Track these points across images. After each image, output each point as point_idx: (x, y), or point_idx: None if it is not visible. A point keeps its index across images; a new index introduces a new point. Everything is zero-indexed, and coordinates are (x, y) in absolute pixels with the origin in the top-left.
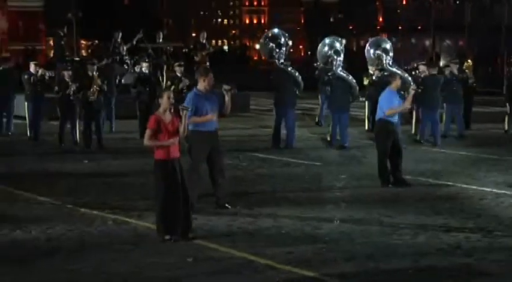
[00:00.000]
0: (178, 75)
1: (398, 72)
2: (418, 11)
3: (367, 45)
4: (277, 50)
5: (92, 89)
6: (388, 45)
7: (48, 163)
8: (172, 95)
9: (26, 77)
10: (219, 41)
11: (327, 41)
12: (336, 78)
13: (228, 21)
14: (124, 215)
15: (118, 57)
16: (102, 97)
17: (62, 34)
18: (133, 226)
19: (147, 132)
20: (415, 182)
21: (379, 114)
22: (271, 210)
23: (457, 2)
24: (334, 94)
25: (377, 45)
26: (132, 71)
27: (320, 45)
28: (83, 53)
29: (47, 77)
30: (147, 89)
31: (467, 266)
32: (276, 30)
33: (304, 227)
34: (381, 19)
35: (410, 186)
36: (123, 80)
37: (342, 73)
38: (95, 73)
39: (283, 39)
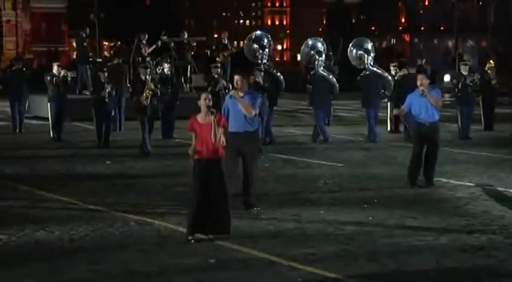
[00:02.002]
0: (215, 76)
1: (379, 71)
2: (440, 11)
3: (350, 45)
4: (261, 51)
5: (145, 94)
6: (369, 46)
7: (70, 164)
8: (209, 97)
9: (48, 78)
10: (241, 42)
11: (309, 42)
12: (317, 78)
13: (250, 22)
14: (147, 216)
15: (140, 58)
16: (156, 102)
17: (84, 35)
18: (156, 227)
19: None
20: (437, 183)
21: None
22: (294, 211)
23: (480, 3)
24: (316, 92)
25: (359, 46)
26: (154, 72)
27: (303, 46)
28: (105, 53)
29: (69, 78)
30: (169, 90)
31: (491, 267)
32: (258, 32)
33: (327, 228)
34: (403, 20)
35: (431, 186)
36: None
37: (323, 72)
38: (147, 77)
39: (266, 41)
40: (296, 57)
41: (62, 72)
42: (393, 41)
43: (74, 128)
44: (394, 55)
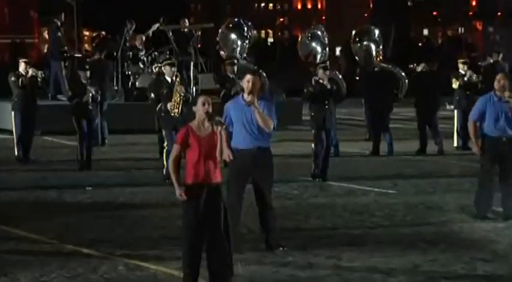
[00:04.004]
0: (230, 76)
1: (389, 67)
2: None
3: (353, 35)
4: (239, 43)
5: (173, 100)
6: (377, 35)
7: (41, 191)
8: (209, 101)
9: (12, 78)
10: (262, 32)
11: (310, 33)
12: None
13: (273, 6)
14: (139, 258)
15: (131, 53)
16: (186, 109)
17: (58, 23)
18: (152, 273)
19: (174, 147)
20: None
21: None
22: (330, 252)
23: None
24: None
25: (364, 35)
26: (149, 70)
27: (303, 36)
28: (86, 47)
29: (39, 79)
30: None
31: None
32: (236, 20)
33: (373, 274)
34: (474, 3)
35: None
36: (137, 83)
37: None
38: (174, 78)
39: (245, 31)
40: (334, 51)
41: (30, 72)
42: (461, 30)
43: (46, 143)
44: (463, 48)
